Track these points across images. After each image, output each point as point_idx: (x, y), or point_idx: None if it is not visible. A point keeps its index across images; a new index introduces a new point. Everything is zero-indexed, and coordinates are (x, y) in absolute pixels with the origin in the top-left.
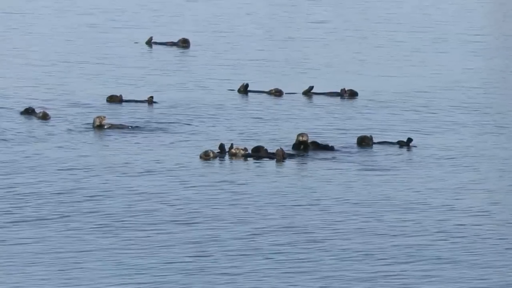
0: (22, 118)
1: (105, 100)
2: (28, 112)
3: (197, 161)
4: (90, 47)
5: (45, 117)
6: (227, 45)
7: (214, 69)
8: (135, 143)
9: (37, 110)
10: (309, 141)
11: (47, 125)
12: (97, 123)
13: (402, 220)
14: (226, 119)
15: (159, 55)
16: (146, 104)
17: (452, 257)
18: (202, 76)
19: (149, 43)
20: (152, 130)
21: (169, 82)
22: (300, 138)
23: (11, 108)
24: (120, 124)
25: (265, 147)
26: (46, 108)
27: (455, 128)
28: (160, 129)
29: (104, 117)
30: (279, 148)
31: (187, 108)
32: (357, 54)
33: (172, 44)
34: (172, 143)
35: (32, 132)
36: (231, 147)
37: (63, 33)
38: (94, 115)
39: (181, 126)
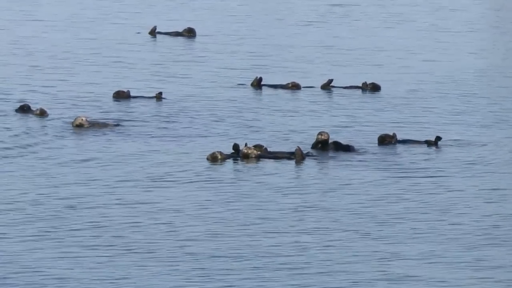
0: (18, 116)
1: (112, 96)
2: (24, 109)
3: (206, 163)
4: (89, 38)
5: (42, 114)
6: (236, 34)
7: (223, 61)
8: (143, 142)
9: (33, 107)
10: (330, 140)
11: (45, 123)
12: (77, 122)
13: (428, 226)
14: (238, 116)
15: (163, 45)
16: (154, 100)
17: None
18: (211, 68)
19: (153, 33)
20: (160, 129)
21: (175, 75)
22: (319, 137)
23: (6, 104)
24: (103, 123)
25: (265, 146)
26: (43, 105)
27: (491, 124)
28: (168, 127)
29: (86, 118)
30: (297, 147)
31: (196, 104)
32: (380, 44)
33: (177, 34)
34: (180, 143)
35: (29, 131)
36: (245, 146)
37: (58, 23)
38: (78, 114)
39: (190, 125)
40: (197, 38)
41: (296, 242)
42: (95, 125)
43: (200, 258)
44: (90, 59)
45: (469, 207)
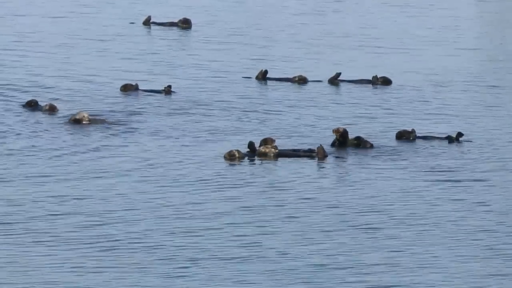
0: (26, 112)
1: (119, 89)
2: (31, 105)
3: (222, 161)
4: (81, 29)
5: (52, 110)
6: (234, 24)
7: (224, 53)
8: (154, 140)
9: (42, 103)
10: (350, 136)
11: (54, 119)
12: (76, 117)
13: (451, 222)
14: (247, 110)
15: (159, 37)
16: (163, 94)
17: None
18: (211, 61)
19: (147, 23)
20: (170, 124)
21: (177, 68)
22: (335, 133)
23: (12, 99)
24: (100, 119)
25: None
26: (52, 100)
27: None
28: (178, 123)
29: (88, 115)
30: (319, 145)
31: (203, 98)
32: (390, 37)
33: (172, 24)
34: (192, 138)
35: (38, 128)
36: (260, 144)
37: (51, 15)
38: (82, 109)
39: (200, 119)
40: (193, 29)
41: (314, 242)
42: (96, 121)
43: (213, 256)
44: (86, 51)
45: (493, 203)
